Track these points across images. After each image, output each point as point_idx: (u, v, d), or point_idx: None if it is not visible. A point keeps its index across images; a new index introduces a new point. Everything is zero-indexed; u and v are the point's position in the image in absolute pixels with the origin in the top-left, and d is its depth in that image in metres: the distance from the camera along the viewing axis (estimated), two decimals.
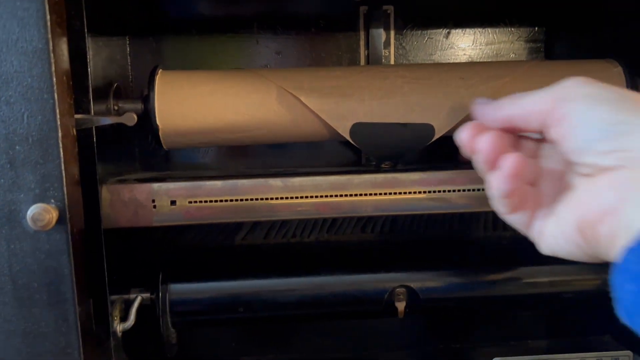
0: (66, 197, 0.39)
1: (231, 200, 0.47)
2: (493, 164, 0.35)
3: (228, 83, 0.47)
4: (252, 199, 0.47)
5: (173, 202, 0.46)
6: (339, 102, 0.46)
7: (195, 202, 0.46)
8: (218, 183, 0.47)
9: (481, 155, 0.36)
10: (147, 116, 0.48)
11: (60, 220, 0.39)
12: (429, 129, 0.46)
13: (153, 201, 0.46)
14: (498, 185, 0.35)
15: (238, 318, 0.53)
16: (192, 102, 0.47)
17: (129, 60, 0.59)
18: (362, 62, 0.61)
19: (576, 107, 0.32)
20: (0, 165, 0.38)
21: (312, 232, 0.58)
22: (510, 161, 0.34)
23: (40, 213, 0.38)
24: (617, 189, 0.30)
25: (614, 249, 0.30)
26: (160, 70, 0.48)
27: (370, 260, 0.49)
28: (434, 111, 0.46)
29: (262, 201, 0.47)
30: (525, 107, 0.35)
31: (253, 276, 0.52)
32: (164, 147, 0.48)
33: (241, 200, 0.47)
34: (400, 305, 0.51)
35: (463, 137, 0.37)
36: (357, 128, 0.46)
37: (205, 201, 0.46)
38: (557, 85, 0.34)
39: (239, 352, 0.59)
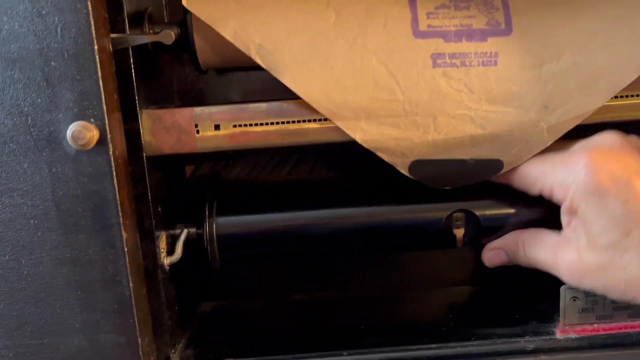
0: (106, 116, 0.37)
1: (277, 124, 0.44)
2: None
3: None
4: (298, 121, 0.44)
5: (217, 127, 0.44)
6: (399, 140, 0.43)
7: (240, 125, 0.44)
8: (263, 105, 0.44)
9: None
10: (184, 39, 0.45)
11: (101, 140, 0.37)
12: (497, 164, 0.43)
13: (196, 126, 0.44)
14: None
15: (287, 252, 0.51)
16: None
17: None
18: None
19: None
20: (36, 83, 0.36)
21: (358, 165, 0.55)
22: None
23: (80, 131, 0.36)
24: None
25: None
26: None
27: (423, 185, 0.45)
28: (504, 147, 0.42)
29: (309, 123, 0.44)
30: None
31: (302, 208, 0.50)
32: (202, 65, 0.45)
33: (287, 122, 0.44)
34: (459, 233, 0.48)
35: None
36: (416, 165, 0.43)
37: (250, 124, 0.44)
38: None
39: (289, 290, 0.58)
